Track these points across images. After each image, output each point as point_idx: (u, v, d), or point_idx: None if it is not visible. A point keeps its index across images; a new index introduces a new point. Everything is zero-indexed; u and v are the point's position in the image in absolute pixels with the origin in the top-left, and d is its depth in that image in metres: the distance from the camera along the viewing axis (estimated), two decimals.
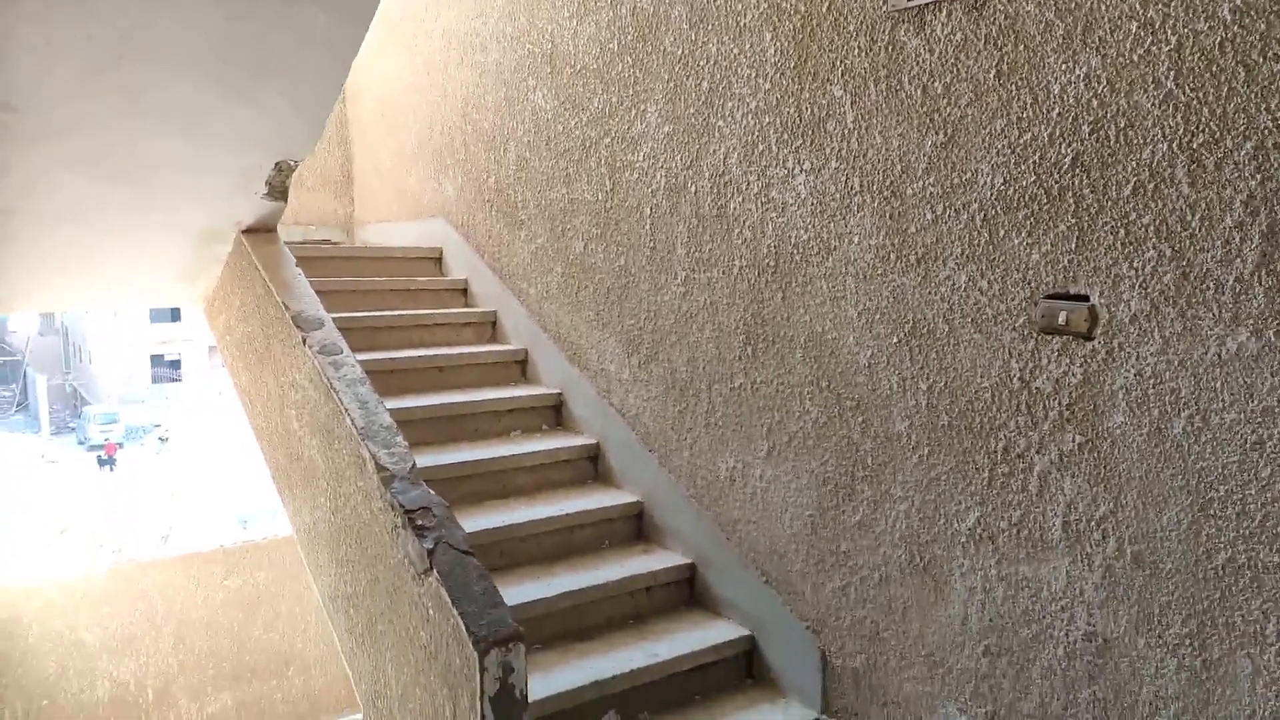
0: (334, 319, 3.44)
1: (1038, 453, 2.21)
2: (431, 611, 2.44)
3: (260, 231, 3.95)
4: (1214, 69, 1.82)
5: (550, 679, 2.76)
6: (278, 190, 3.69)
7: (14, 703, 4.69)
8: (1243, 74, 1.78)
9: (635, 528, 3.57)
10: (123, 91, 2.83)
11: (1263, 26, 1.74)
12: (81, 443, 28.45)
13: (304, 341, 3.24)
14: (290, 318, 3.36)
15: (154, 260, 4.14)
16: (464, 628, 2.26)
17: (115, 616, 5.03)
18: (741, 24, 2.92)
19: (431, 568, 2.41)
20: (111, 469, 25.86)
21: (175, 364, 32.76)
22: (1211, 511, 1.89)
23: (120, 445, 27.63)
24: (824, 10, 2.64)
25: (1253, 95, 1.77)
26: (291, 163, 3.57)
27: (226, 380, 4.62)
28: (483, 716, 2.21)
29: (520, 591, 3.00)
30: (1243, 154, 1.79)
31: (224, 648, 5.26)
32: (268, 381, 3.71)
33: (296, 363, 3.37)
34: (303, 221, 5.97)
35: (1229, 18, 1.79)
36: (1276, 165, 1.74)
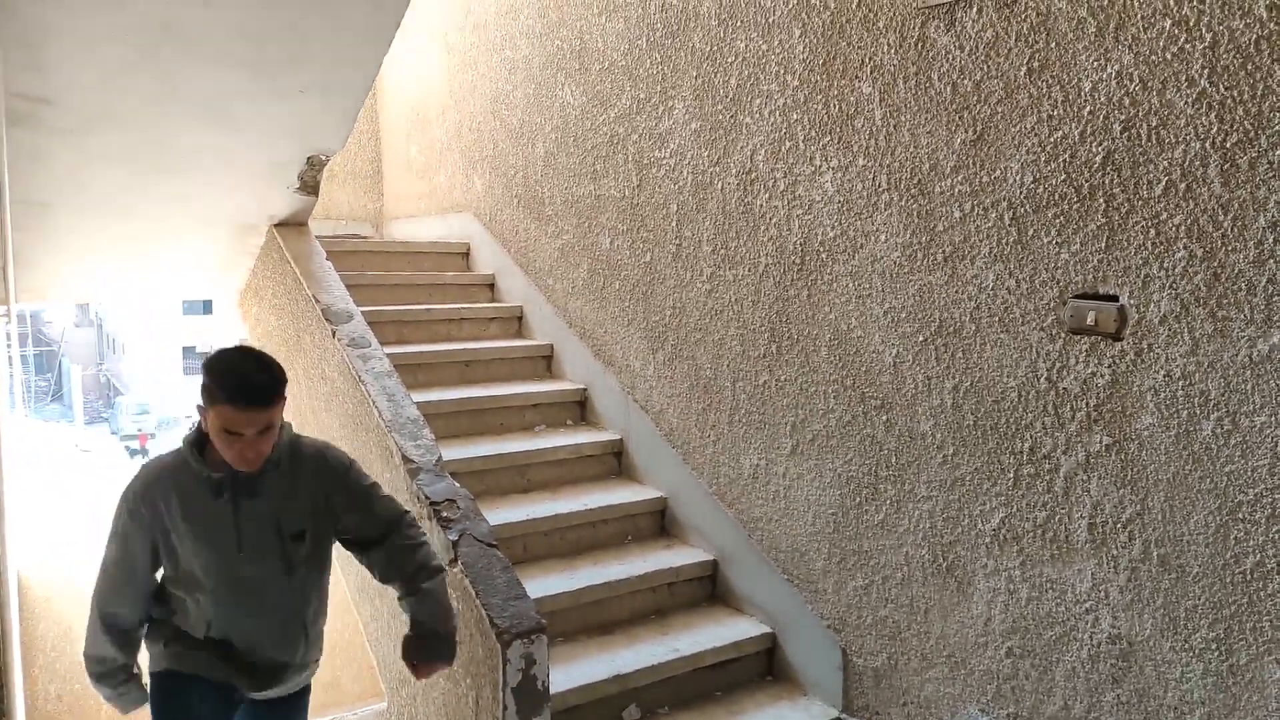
0: (363, 312, 3.48)
1: (1064, 454, 2.19)
2: (456, 602, 2.47)
3: (292, 225, 4.00)
4: (1249, 67, 1.80)
5: (572, 671, 2.77)
6: (309, 184, 3.74)
7: (47, 686, 4.79)
8: (1278, 72, 1.75)
9: (658, 523, 3.58)
10: (158, 84, 2.88)
11: None
12: (114, 432, 28.93)
13: (333, 334, 3.28)
14: (320, 311, 3.40)
15: (188, 252, 4.21)
16: (488, 619, 2.28)
17: None
18: (770, 20, 2.92)
19: (456, 559, 2.43)
20: (144, 458, 26.26)
21: (207, 355, 33.13)
22: (1240, 515, 1.87)
23: (153, 435, 28.05)
24: (854, 6, 2.63)
25: None
26: (323, 157, 3.62)
27: None
28: (505, 707, 2.23)
29: (543, 584, 3.03)
30: (1278, 153, 1.77)
31: None
32: (297, 373, 3.76)
33: (326, 355, 3.41)
34: (333, 216, 6.03)
35: (1265, 15, 1.76)
36: None
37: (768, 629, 3.09)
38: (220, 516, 1.97)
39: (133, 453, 26.52)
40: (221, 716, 2.08)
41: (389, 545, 2.11)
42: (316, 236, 4.03)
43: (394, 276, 4.55)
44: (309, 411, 3.73)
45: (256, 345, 4.44)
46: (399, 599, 2.12)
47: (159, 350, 32.37)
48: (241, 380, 1.86)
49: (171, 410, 30.03)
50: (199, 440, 2.00)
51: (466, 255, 4.99)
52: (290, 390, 4.34)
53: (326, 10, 2.74)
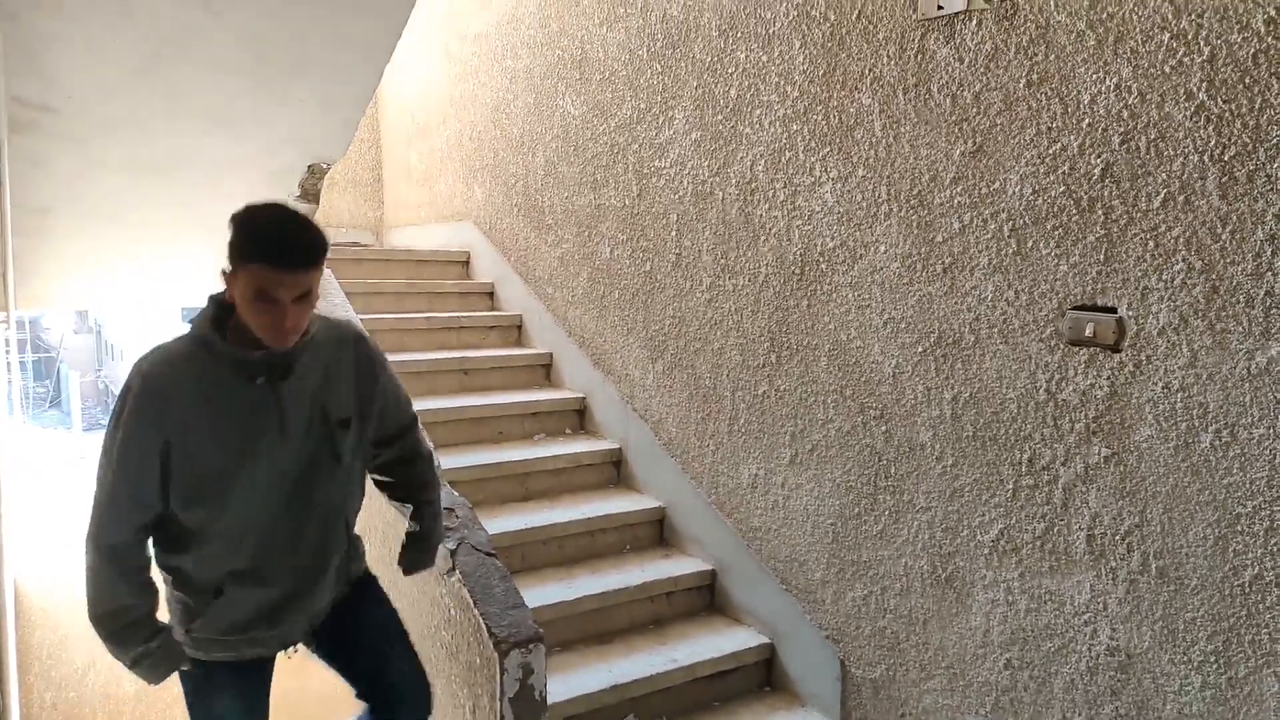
0: (362, 320, 3.49)
1: (1063, 465, 2.19)
2: (453, 611, 2.46)
3: None
4: (1247, 80, 1.80)
5: (569, 681, 2.77)
6: (310, 192, 3.74)
7: (42, 694, 4.77)
8: (1276, 86, 1.76)
9: (657, 533, 3.58)
10: (160, 92, 2.89)
11: None
12: None
13: None
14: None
15: (188, 259, 4.21)
16: (485, 628, 2.28)
17: None
18: (771, 32, 2.93)
19: (454, 568, 2.43)
20: None
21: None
22: (1239, 527, 1.87)
23: None
24: (854, 18, 2.64)
25: None
26: (324, 165, 3.63)
27: None
28: (502, 717, 2.23)
29: (541, 594, 3.02)
30: (1275, 166, 1.77)
31: None
32: None
33: None
34: (333, 223, 6.04)
35: (1263, 29, 1.77)
36: None
37: (766, 639, 3.08)
38: (256, 403, 1.69)
39: None
40: (265, 694, 1.92)
41: (405, 447, 2.04)
42: None
43: (393, 284, 4.55)
44: None
45: None
46: (401, 502, 2.11)
47: None
48: (280, 236, 1.59)
49: None
50: (218, 317, 1.70)
51: (466, 263, 4.99)
52: None
53: (328, 20, 2.76)
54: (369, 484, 2.08)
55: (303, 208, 3.83)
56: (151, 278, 4.47)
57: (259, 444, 1.70)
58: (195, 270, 4.38)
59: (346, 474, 1.87)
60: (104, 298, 5.09)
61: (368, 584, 2.07)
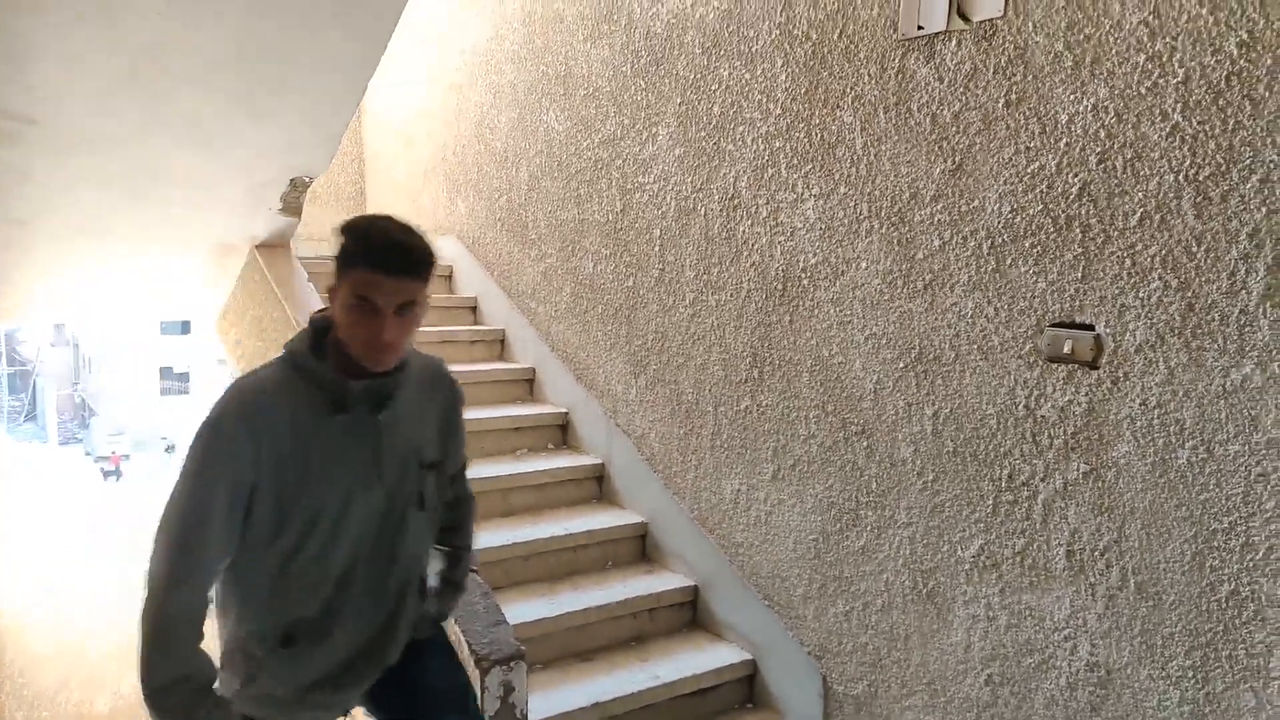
0: None
1: (1042, 481, 2.21)
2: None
3: (274, 246, 3.99)
4: (1220, 102, 1.84)
5: (551, 699, 2.75)
6: (292, 206, 3.73)
7: (14, 713, 4.69)
8: (1249, 108, 1.79)
9: (639, 548, 3.57)
10: (143, 106, 2.88)
11: (1269, 61, 1.76)
12: (89, 453, 28.55)
13: None
14: None
15: (168, 273, 4.19)
16: (466, 645, 2.26)
17: (122, 627, 5.03)
18: (753, 50, 2.96)
19: None
20: (118, 480, 25.93)
21: (184, 376, 32.87)
22: (1216, 543, 1.89)
23: (126, 457, 27.71)
24: (835, 37, 2.67)
25: (1259, 129, 1.78)
26: (306, 179, 3.62)
27: None
28: None
29: (523, 610, 3.00)
30: (1249, 187, 1.80)
31: None
32: None
33: None
34: (315, 237, 6.01)
35: (1235, 52, 1.81)
36: None
37: (748, 656, 3.08)
38: (353, 436, 1.57)
39: (106, 474, 26.16)
40: None
41: (457, 490, 1.92)
42: (299, 258, 4.02)
43: None
44: None
45: (235, 367, 4.42)
46: (440, 545, 1.92)
47: (135, 370, 32.04)
48: (388, 239, 1.51)
49: (147, 431, 29.69)
50: (316, 340, 1.59)
51: (449, 278, 4.99)
52: None
53: (312, 35, 2.76)
54: None
55: (284, 221, 3.83)
56: (129, 291, 4.44)
57: (353, 480, 1.58)
58: (175, 284, 4.35)
59: (429, 522, 1.76)
60: (82, 311, 5.04)
61: (435, 632, 1.92)
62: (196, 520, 1.48)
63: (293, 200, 3.70)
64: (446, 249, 5.05)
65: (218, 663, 1.58)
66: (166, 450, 29.14)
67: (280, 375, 1.57)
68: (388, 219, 1.56)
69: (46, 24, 2.44)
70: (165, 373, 32.67)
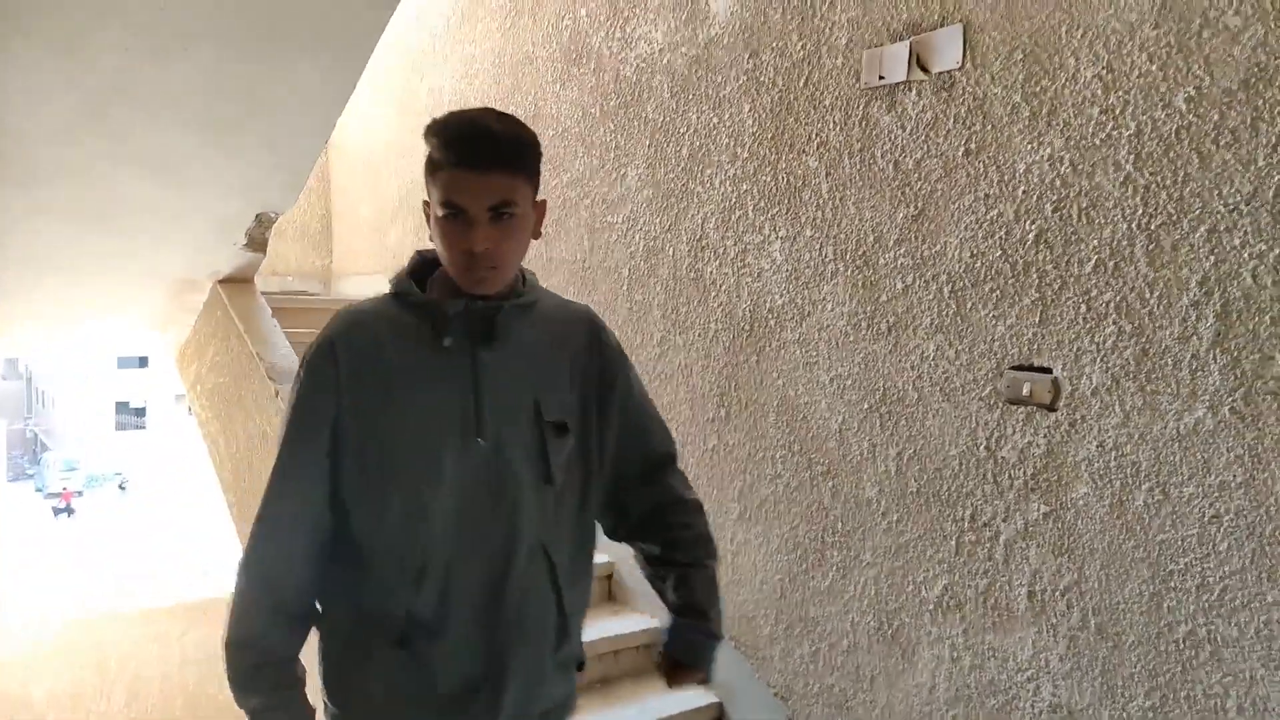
0: None
1: (1004, 521, 2.23)
2: None
3: (238, 281, 3.96)
4: (1171, 155, 1.90)
5: None
6: (257, 242, 3.71)
7: None
8: (1197, 161, 1.86)
9: (605, 589, 3.54)
10: (108, 139, 2.86)
11: (1216, 116, 1.83)
12: (40, 490, 27.79)
13: (276, 394, 3.22)
14: (264, 369, 3.35)
15: (128, 308, 4.13)
16: None
17: (67, 672, 4.87)
18: (721, 95, 3.01)
19: None
20: (69, 517, 25.24)
21: (140, 411, 32.24)
22: (1172, 584, 1.92)
23: (79, 493, 27.01)
24: (801, 85, 2.73)
25: (1206, 181, 1.84)
26: (272, 214, 3.60)
27: (194, 429, 4.57)
28: None
29: None
30: (1198, 236, 1.86)
31: (178, 707, 5.10)
32: (238, 433, 3.68)
33: (268, 415, 3.35)
34: (280, 272, 5.97)
35: (1184, 107, 1.88)
36: (1229, 248, 1.81)
37: (714, 699, 3.05)
38: (447, 371, 1.30)
39: (57, 512, 25.46)
40: None
41: (663, 492, 1.51)
42: (263, 293, 3.98)
43: None
44: (245, 471, 3.64)
45: (196, 404, 4.35)
46: (663, 568, 1.50)
47: (91, 405, 31.36)
48: (469, 127, 1.25)
49: (101, 467, 29.00)
50: (419, 270, 1.40)
51: None
52: (229, 450, 4.22)
53: (281, 72, 2.76)
54: None
55: (249, 257, 3.80)
56: (90, 326, 4.36)
57: (444, 429, 1.29)
58: (135, 319, 4.29)
59: (558, 505, 1.36)
60: (38, 345, 4.94)
61: None
62: (282, 483, 1.32)
63: (258, 235, 3.68)
64: None
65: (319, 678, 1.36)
66: (120, 487, 28.45)
67: (377, 305, 1.37)
68: (482, 111, 1.30)
69: (9, 58, 2.42)
70: (121, 407, 32.02)
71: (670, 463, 1.56)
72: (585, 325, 1.45)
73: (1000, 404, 2.23)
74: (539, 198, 1.35)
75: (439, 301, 1.32)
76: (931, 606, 2.40)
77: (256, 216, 3.57)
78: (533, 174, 1.30)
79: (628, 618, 3.34)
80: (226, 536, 4.00)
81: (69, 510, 25.55)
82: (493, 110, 1.30)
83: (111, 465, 29.28)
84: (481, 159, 1.23)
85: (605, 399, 1.43)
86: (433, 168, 1.27)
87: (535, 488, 1.33)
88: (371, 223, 5.63)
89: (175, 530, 21.46)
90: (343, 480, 1.30)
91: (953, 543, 2.35)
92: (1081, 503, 2.07)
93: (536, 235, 1.35)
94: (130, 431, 31.72)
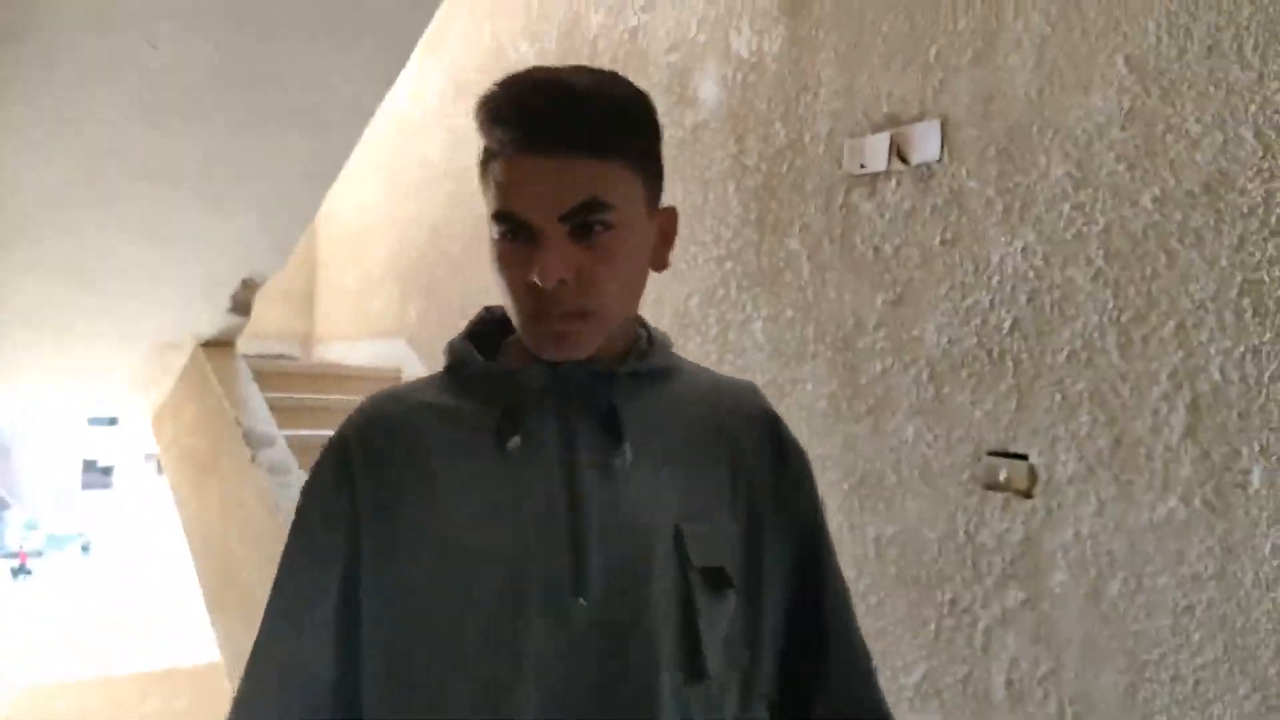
0: (287, 436, 3.41)
1: (982, 608, 2.23)
2: None
3: (220, 345, 3.95)
4: (1139, 251, 1.97)
5: None
6: (242, 306, 3.72)
7: None
8: (1164, 258, 1.93)
9: None
10: (99, 201, 2.89)
11: (1179, 217, 1.90)
12: None
13: (253, 459, 3.20)
14: (242, 433, 3.32)
15: (107, 369, 4.10)
16: None
17: None
18: (707, 176, 3.09)
19: None
20: (27, 578, 24.51)
21: (108, 470, 31.62)
22: (1147, 674, 1.92)
23: (38, 554, 26.29)
24: (784, 170, 2.81)
25: (1174, 278, 1.91)
26: (258, 279, 3.62)
27: (165, 491, 4.51)
28: None
29: None
30: (1167, 330, 1.92)
31: None
32: (211, 499, 3.63)
33: (244, 480, 3.31)
34: (261, 335, 5.96)
35: (1150, 206, 1.95)
36: (1197, 344, 1.87)
37: None
38: (531, 484, 0.82)
39: (14, 573, 24.73)
40: None
41: (836, 661, 1.05)
42: (243, 355, 3.97)
43: (323, 400, 4.48)
44: (219, 538, 3.58)
45: (170, 467, 4.29)
46: None
47: (57, 462, 30.76)
48: (541, 86, 0.84)
49: (65, 527, 28.30)
50: (482, 331, 1.01)
51: (398, 380, 4.96)
52: (201, 514, 4.14)
53: (274, 140, 2.82)
54: None
55: (233, 320, 3.80)
56: (66, 386, 4.33)
57: (523, 579, 0.79)
58: (110, 380, 4.26)
59: (710, 710, 0.84)
60: (8, 401, 4.88)
61: None
62: (275, 622, 0.90)
63: (243, 299, 3.69)
64: (395, 352, 5.04)
65: None
66: (83, 549, 27.73)
67: (428, 384, 0.97)
68: (553, 67, 0.86)
69: (2, 118, 2.45)
70: (88, 466, 31.41)
71: (850, 616, 1.07)
72: (757, 415, 0.99)
73: (978, 489, 2.25)
74: (662, 203, 0.88)
75: (512, 372, 0.89)
76: (910, 694, 2.38)
77: (243, 281, 3.59)
78: (644, 161, 0.87)
79: None
80: (192, 602, 3.91)
81: (25, 571, 24.83)
82: (584, 66, 0.86)
83: (75, 525, 28.60)
84: (552, 134, 0.79)
85: (791, 539, 0.96)
86: (486, 160, 0.88)
87: (675, 682, 0.81)
88: (356, 289, 5.66)
89: (139, 595, 20.89)
90: (366, 656, 0.84)
91: (932, 628, 2.34)
92: (1058, 591, 2.08)
93: (660, 265, 0.91)
94: (96, 490, 31.07)
